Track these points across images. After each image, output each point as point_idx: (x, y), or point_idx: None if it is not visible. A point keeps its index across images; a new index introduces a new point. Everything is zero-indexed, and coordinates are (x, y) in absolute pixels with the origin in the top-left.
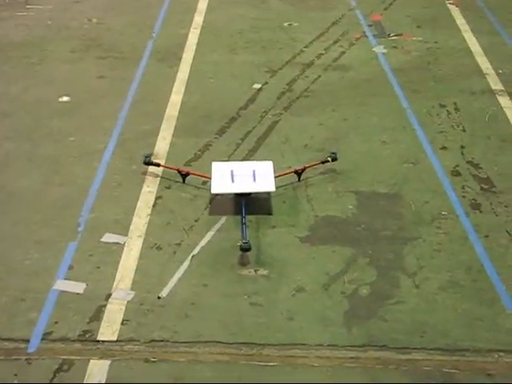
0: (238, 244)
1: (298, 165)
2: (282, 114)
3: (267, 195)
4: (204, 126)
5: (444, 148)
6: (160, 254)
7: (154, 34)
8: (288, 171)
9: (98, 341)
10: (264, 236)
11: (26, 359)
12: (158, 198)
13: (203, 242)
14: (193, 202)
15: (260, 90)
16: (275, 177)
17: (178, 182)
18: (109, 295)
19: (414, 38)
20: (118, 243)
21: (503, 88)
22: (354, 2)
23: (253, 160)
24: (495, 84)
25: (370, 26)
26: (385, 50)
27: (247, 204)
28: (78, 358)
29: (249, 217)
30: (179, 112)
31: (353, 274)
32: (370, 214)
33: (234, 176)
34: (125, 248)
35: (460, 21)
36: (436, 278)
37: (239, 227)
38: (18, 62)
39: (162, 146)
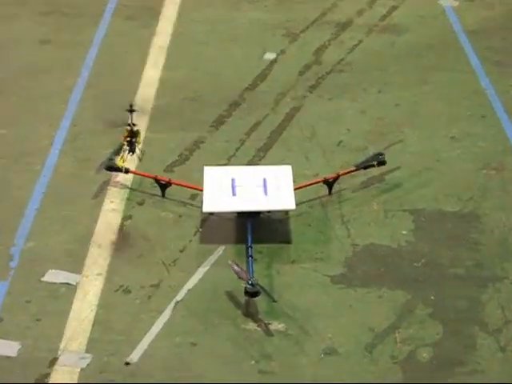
0: (243, 286)
1: (329, 171)
2: (305, 96)
3: (284, 215)
4: (193, 114)
5: None
6: (129, 299)
7: None
8: (315, 180)
9: None
10: (279, 274)
11: None
12: (125, 218)
13: (191, 283)
14: (177, 225)
15: (274, 61)
16: (295, 188)
17: (155, 195)
18: (54, 360)
19: None
20: (67, 284)
21: None
22: None
23: (264, 164)
24: None
25: None
26: (456, 3)
27: (255, 228)
28: None
29: (258, 246)
30: (157, 94)
31: (408, 329)
32: (434, 242)
33: (235, 187)
34: (78, 291)
35: None
36: None
37: (243, 261)
38: None
39: None
